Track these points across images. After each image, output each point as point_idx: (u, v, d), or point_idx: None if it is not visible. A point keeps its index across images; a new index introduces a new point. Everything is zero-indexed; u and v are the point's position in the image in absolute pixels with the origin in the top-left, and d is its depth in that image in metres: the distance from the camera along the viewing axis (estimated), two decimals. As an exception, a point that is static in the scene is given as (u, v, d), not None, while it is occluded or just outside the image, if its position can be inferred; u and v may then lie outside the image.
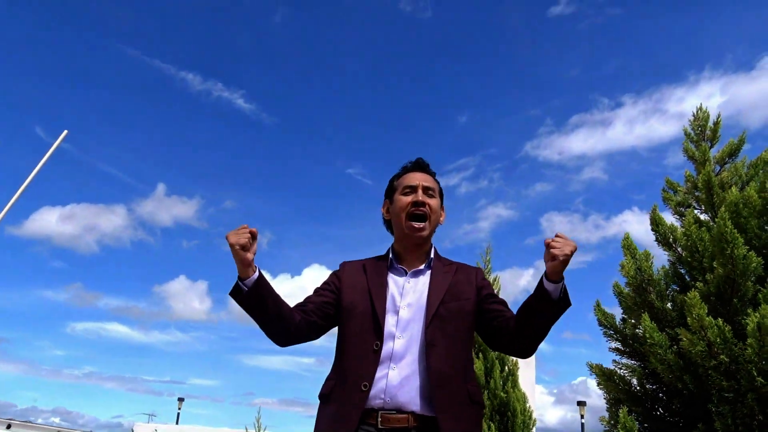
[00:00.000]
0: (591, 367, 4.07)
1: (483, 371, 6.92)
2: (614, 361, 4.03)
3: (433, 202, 2.10)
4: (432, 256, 2.12)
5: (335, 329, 2.09)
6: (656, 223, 4.19)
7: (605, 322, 4.14)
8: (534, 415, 7.06)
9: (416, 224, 2.05)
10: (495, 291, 2.11)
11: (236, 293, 1.82)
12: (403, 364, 1.85)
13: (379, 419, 1.78)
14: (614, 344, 4.09)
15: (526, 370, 10.67)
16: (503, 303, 2.07)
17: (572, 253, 1.70)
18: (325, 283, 2.14)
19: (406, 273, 2.07)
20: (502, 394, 6.88)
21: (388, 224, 2.22)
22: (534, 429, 7.00)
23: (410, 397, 1.80)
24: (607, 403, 3.95)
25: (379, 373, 1.84)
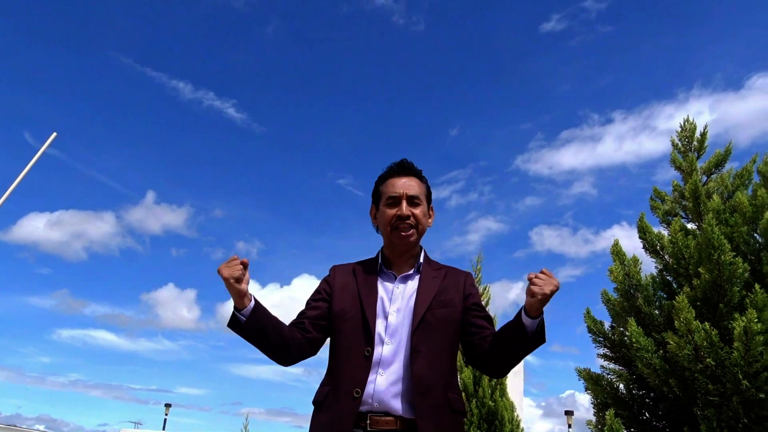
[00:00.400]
0: (579, 372, 4.12)
1: (471, 380, 6.94)
2: (602, 366, 4.07)
3: (419, 211, 2.07)
4: (421, 260, 2.12)
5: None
6: (644, 231, 4.27)
7: (594, 329, 4.20)
8: (522, 425, 7.07)
9: (403, 234, 2.04)
10: (484, 301, 2.11)
11: (234, 324, 1.84)
12: (391, 370, 1.88)
13: (368, 421, 1.82)
14: (603, 350, 4.14)
15: (514, 379, 10.68)
16: (487, 318, 2.06)
17: (552, 293, 1.70)
18: (316, 292, 2.15)
19: (395, 278, 2.07)
20: (490, 402, 6.89)
21: (377, 228, 2.21)
22: (521, 438, 7.00)
23: (396, 401, 1.84)
24: (594, 408, 3.99)
25: (369, 378, 1.86)
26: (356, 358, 1.90)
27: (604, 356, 4.10)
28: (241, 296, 1.79)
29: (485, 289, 8.15)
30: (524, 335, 1.77)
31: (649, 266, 4.26)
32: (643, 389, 3.88)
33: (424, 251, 2.17)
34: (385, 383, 1.85)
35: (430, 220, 2.17)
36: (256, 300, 1.85)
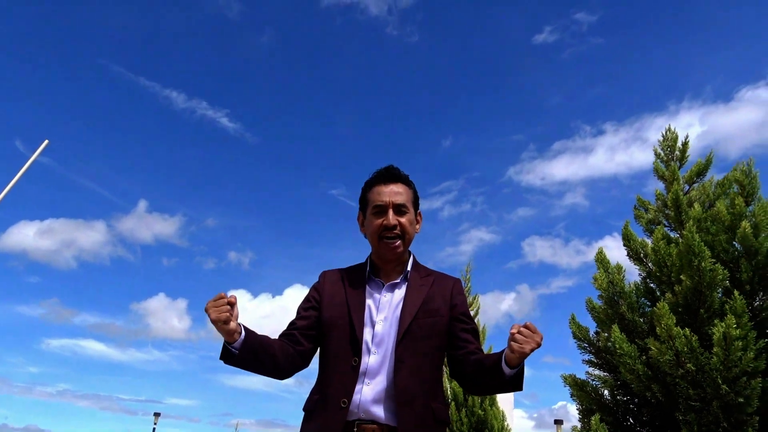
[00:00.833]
0: (564, 378, 4.15)
1: (461, 389, 6.96)
2: (587, 372, 4.12)
3: (405, 219, 2.06)
4: (409, 267, 2.11)
5: None
6: (628, 239, 4.33)
7: (579, 335, 4.24)
8: (511, 434, 7.08)
9: (390, 244, 2.05)
10: (473, 311, 2.12)
11: (227, 356, 1.85)
12: (377, 380, 1.91)
13: (355, 429, 1.85)
14: (587, 356, 4.18)
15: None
16: (473, 331, 2.06)
17: (533, 350, 1.70)
18: (306, 300, 2.16)
19: (383, 285, 2.07)
20: (480, 411, 6.90)
21: (365, 235, 2.21)
22: (511, 447, 7.01)
23: (381, 411, 1.87)
24: (579, 414, 4.02)
25: (355, 389, 1.89)
26: (344, 368, 1.93)
27: (590, 362, 4.15)
28: (230, 334, 1.77)
29: (474, 299, 8.19)
30: (502, 379, 1.80)
31: (633, 274, 4.33)
32: (627, 395, 3.92)
33: (413, 257, 2.17)
34: (371, 393, 1.88)
35: (417, 226, 2.16)
36: (245, 329, 1.84)
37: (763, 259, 3.60)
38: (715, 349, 3.23)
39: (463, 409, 6.88)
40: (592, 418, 3.67)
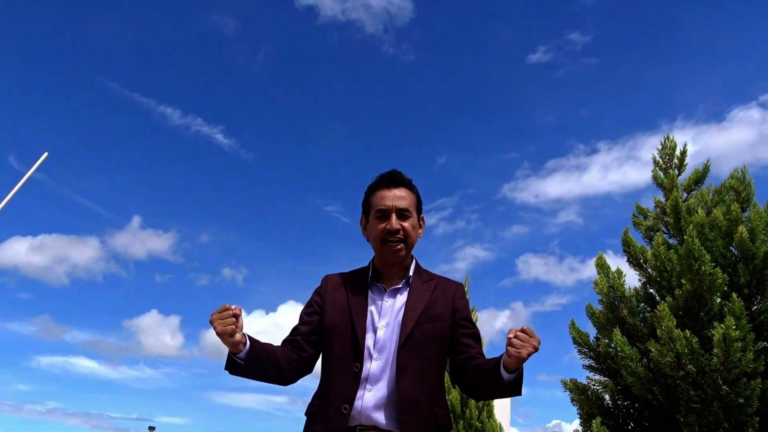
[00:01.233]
0: (565, 383, 4.16)
1: (459, 400, 6.93)
2: (588, 377, 4.13)
3: (408, 224, 2.06)
4: (411, 272, 2.10)
5: None
6: (628, 245, 4.38)
7: (580, 340, 4.26)
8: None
9: (392, 248, 2.05)
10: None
11: (232, 367, 1.85)
12: (378, 386, 1.91)
13: None
14: (588, 361, 4.20)
15: (501, 403, 10.61)
16: (474, 336, 2.06)
17: (530, 354, 1.70)
18: (308, 305, 2.17)
19: (385, 291, 2.07)
20: (477, 423, 6.87)
21: (368, 239, 2.20)
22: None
23: (382, 417, 1.87)
24: (580, 418, 4.03)
25: (357, 395, 1.90)
26: (346, 374, 1.93)
27: (590, 367, 4.16)
28: (235, 345, 1.78)
29: (472, 310, 8.21)
30: (501, 384, 1.82)
31: (632, 281, 4.37)
32: (628, 399, 3.93)
33: (416, 261, 2.17)
34: (372, 399, 1.88)
35: (420, 231, 2.16)
36: (250, 339, 1.86)
37: (760, 263, 3.66)
38: (715, 351, 3.26)
39: (461, 421, 6.85)
40: (593, 422, 3.68)
